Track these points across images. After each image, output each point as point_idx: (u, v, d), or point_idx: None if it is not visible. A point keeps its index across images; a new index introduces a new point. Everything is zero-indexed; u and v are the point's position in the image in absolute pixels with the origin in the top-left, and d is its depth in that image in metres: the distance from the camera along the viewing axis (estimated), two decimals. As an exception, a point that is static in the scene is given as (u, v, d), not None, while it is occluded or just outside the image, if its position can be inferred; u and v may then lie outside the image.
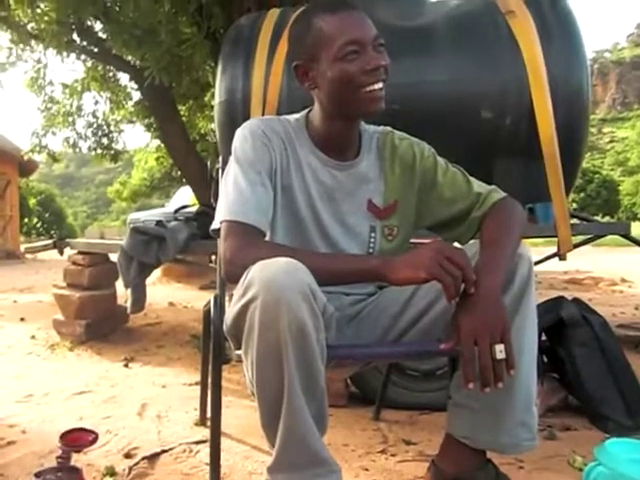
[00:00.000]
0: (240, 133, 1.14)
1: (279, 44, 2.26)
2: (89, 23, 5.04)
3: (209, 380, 1.28)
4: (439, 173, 1.17)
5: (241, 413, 1.84)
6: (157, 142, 8.27)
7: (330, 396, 1.96)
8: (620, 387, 1.71)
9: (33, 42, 5.51)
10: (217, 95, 2.39)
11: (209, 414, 1.28)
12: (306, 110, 1.19)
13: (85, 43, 5.26)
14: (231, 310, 0.94)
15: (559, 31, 2.29)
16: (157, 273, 5.68)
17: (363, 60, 1.02)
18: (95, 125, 6.91)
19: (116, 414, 1.88)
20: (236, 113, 2.28)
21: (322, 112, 1.12)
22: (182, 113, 6.29)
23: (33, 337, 3.14)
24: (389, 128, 1.23)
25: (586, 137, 2.40)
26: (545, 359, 1.92)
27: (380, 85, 1.03)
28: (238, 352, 0.98)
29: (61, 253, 3.32)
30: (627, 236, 2.46)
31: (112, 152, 6.99)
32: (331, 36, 1.03)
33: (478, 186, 1.17)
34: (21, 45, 5.66)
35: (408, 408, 1.89)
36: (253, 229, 1.02)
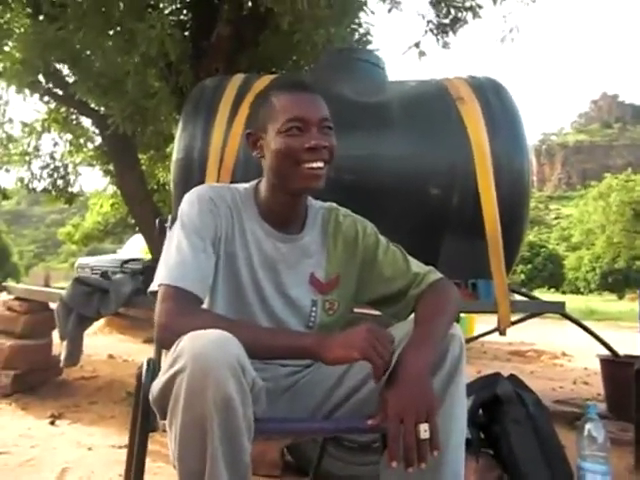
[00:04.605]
0: (188, 198, 1.16)
1: (240, 108, 2.34)
2: (56, 66, 5.07)
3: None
4: (380, 251, 1.21)
5: (169, 482, 1.75)
6: (114, 187, 8.18)
7: (265, 466, 1.91)
8: (551, 467, 1.73)
9: (-5, 79, 5.47)
10: (175, 152, 2.42)
11: (132, 484, 1.21)
12: (256, 180, 1.23)
13: (50, 85, 5.26)
14: (158, 380, 0.92)
15: (503, 118, 2.47)
16: (100, 323, 5.46)
17: (305, 138, 1.07)
18: (52, 166, 6.81)
19: None
20: (192, 172, 2.30)
21: (268, 184, 1.16)
22: (142, 162, 6.28)
23: (-48, 387, 2.93)
24: (335, 205, 1.27)
25: (527, 219, 2.54)
26: (482, 435, 1.93)
27: (320, 164, 1.08)
28: (164, 422, 0.95)
29: (-4, 297, 3.17)
30: (564, 314, 2.57)
31: (67, 195, 6.86)
32: (279, 110, 1.09)
33: (416, 266, 1.21)
34: (-18, 81, 5.60)
35: (344, 481, 1.85)
36: (190, 295, 1.02)
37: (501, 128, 2.43)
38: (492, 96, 2.54)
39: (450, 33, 5.26)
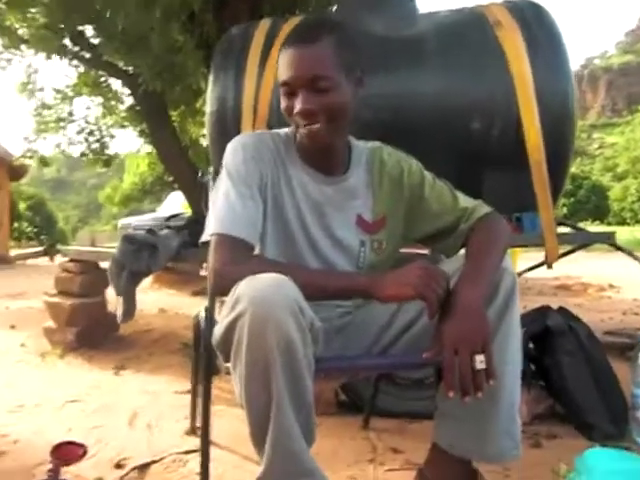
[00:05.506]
0: (231, 147, 1.16)
1: (270, 54, 2.29)
2: (80, 29, 5.05)
3: (199, 390, 1.30)
4: (426, 188, 1.20)
5: (232, 422, 1.85)
6: (149, 147, 8.27)
7: (319, 405, 1.97)
8: (605, 396, 1.74)
9: (24, 47, 5.51)
10: (208, 105, 2.41)
11: (199, 423, 1.29)
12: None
13: (77, 49, 5.26)
14: (220, 325, 0.96)
15: (544, 42, 2.33)
16: (148, 279, 5.66)
17: (295, 102, 1.06)
18: (87, 130, 6.91)
19: (106, 424, 1.89)
20: (227, 123, 2.29)
21: None
22: (174, 119, 6.29)
23: (23, 345, 3.14)
24: (378, 143, 1.25)
25: (572, 146, 2.43)
26: (532, 367, 1.94)
27: (315, 126, 1.05)
28: (228, 364, 0.99)
29: (52, 260, 3.31)
30: (613, 244, 2.50)
31: (104, 157, 6.98)
32: (279, 71, 1.09)
33: (464, 200, 1.19)
34: (12, 49, 5.66)
35: (397, 416, 1.90)
36: (243, 243, 1.04)
37: (543, 52, 2.29)
38: (532, 19, 2.39)
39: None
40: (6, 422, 1.89)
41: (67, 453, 1.24)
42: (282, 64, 1.07)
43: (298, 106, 1.04)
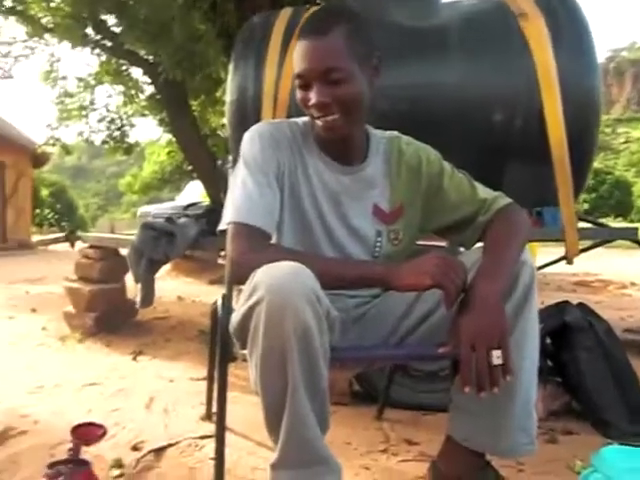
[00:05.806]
0: (248, 136, 1.17)
1: (291, 43, 2.28)
2: (103, 18, 5.10)
3: (215, 376, 1.31)
4: (445, 178, 1.18)
5: (247, 409, 1.86)
6: (168, 136, 8.33)
7: (334, 394, 1.99)
8: (623, 393, 1.72)
9: (47, 36, 5.58)
10: (228, 94, 2.41)
11: (215, 409, 1.30)
12: None
13: (99, 37, 5.31)
14: (237, 312, 0.96)
15: (570, 33, 2.28)
16: (166, 267, 5.72)
17: (309, 94, 1.05)
18: (108, 119, 6.99)
19: (124, 407, 1.92)
20: (247, 112, 2.30)
21: None
22: (194, 108, 6.32)
23: (44, 328, 3.20)
24: (396, 133, 1.24)
25: (596, 140, 2.39)
26: (549, 363, 1.93)
27: (330, 117, 1.05)
28: (244, 352, 1.00)
29: (72, 246, 3.36)
30: (636, 241, 2.45)
31: (125, 145, 7.06)
32: (294, 63, 1.08)
33: (483, 192, 1.18)
34: (36, 38, 5.73)
35: (411, 408, 1.90)
36: (260, 231, 1.05)
37: (568, 43, 2.24)
38: (558, 7, 2.34)
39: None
40: (26, 403, 1.94)
41: (87, 433, 1.26)
42: (296, 56, 1.07)
43: (312, 99, 1.05)
